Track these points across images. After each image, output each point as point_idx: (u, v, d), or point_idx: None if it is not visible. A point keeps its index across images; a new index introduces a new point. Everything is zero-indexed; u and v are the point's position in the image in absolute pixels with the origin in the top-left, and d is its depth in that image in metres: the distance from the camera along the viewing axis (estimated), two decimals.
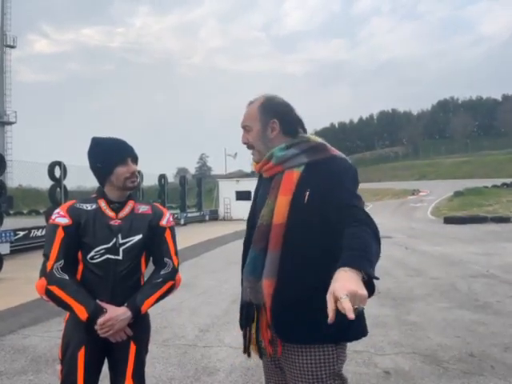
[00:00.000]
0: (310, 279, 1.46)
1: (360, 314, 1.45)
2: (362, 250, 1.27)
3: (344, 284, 1.13)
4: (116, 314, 1.72)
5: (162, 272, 1.89)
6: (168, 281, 1.89)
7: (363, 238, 1.31)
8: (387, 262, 8.48)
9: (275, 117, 1.61)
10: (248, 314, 1.63)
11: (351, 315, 1.07)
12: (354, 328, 1.48)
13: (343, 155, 1.59)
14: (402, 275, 7.19)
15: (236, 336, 4.18)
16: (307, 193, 1.48)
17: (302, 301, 1.47)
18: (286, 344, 1.54)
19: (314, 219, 1.46)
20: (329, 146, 1.60)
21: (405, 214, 23.16)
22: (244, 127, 1.67)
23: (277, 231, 1.50)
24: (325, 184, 1.47)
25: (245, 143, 1.68)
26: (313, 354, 1.48)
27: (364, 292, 1.13)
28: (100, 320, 1.70)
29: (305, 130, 1.67)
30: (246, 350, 1.67)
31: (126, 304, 1.78)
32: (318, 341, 1.48)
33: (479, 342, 4.02)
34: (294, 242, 1.48)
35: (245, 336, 1.66)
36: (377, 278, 1.22)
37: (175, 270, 1.93)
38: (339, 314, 1.26)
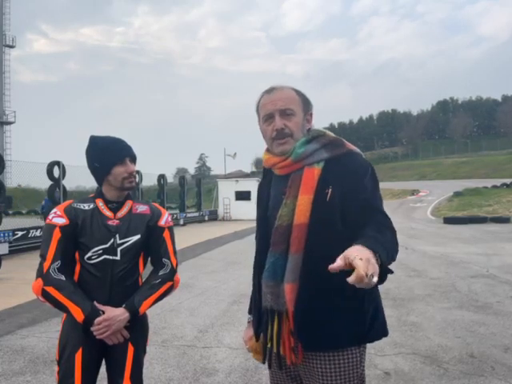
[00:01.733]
0: (335, 282, 1.29)
1: (380, 314, 1.49)
2: (378, 239, 1.25)
3: (358, 249, 1.14)
4: (113, 315, 1.71)
5: (160, 273, 1.88)
6: (166, 281, 1.87)
7: (382, 235, 1.29)
8: None
9: (310, 109, 1.55)
10: (270, 321, 1.50)
11: (362, 274, 1.04)
12: (376, 328, 1.46)
13: (358, 149, 1.53)
14: (402, 275, 7.18)
15: (235, 337, 4.17)
16: (329, 190, 1.40)
17: (327, 305, 1.41)
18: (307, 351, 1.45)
19: (336, 218, 1.40)
20: (344, 140, 1.54)
21: (404, 214, 23.14)
22: (284, 111, 1.48)
23: (299, 232, 1.41)
24: (345, 181, 1.41)
25: (280, 129, 1.48)
26: (337, 359, 1.42)
27: (376, 266, 1.11)
28: (97, 319, 1.68)
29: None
30: (269, 361, 1.55)
31: (123, 305, 1.76)
32: (342, 346, 1.42)
33: (479, 342, 4.01)
34: (317, 243, 1.39)
35: (265, 345, 1.53)
36: (390, 271, 1.20)
37: (174, 271, 1.91)
38: (360, 313, 1.42)
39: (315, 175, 1.44)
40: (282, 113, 1.48)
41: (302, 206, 1.41)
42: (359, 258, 1.08)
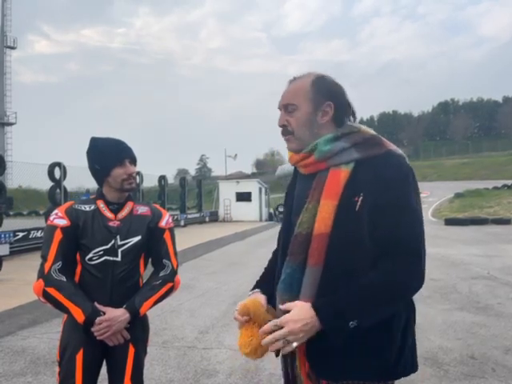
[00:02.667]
0: None
1: (410, 348, 1.28)
2: (344, 300, 1.16)
3: (296, 311, 1.17)
4: (114, 316, 1.71)
5: (161, 274, 1.88)
6: (167, 282, 1.87)
7: (366, 290, 1.16)
8: None
9: (331, 99, 1.31)
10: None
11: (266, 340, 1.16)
12: (404, 361, 1.25)
13: (399, 150, 1.30)
14: None
15: (236, 338, 4.16)
16: (360, 198, 1.20)
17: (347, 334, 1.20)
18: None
19: (363, 231, 1.20)
20: (383, 138, 1.32)
21: None
22: (286, 106, 1.35)
23: (319, 243, 1.22)
24: (378, 190, 1.20)
25: (283, 126, 1.36)
26: None
27: (297, 329, 1.13)
28: (98, 320, 1.68)
29: (355, 119, 1.39)
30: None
31: (124, 306, 1.76)
32: (360, 379, 1.23)
33: (480, 344, 4.01)
34: (339, 257, 1.21)
35: (286, 367, 1.38)
36: (332, 329, 1.14)
37: (174, 272, 1.91)
38: (385, 342, 1.23)
39: (342, 178, 1.24)
40: (285, 108, 1.35)
41: (324, 212, 1.23)
42: (281, 323, 1.15)
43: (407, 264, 1.18)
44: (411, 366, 1.29)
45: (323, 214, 1.23)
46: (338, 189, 1.23)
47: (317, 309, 1.16)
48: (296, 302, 1.20)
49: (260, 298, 1.39)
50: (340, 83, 1.36)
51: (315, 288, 1.23)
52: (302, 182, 1.38)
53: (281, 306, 1.21)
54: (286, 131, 1.35)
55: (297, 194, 1.39)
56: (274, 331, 1.17)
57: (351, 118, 1.37)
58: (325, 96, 1.31)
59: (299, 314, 1.16)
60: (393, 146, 1.30)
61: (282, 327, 1.15)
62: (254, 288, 1.48)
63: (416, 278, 1.20)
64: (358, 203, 1.20)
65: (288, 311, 1.19)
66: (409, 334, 1.28)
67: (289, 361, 1.35)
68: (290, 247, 1.29)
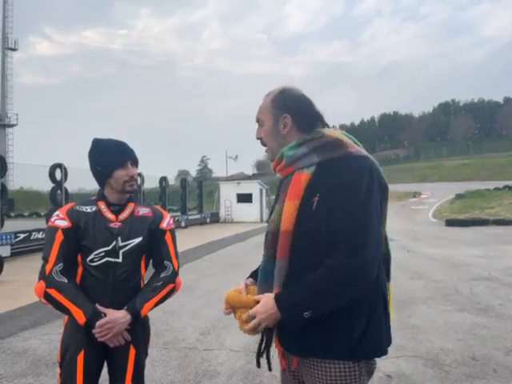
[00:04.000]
0: None
1: (377, 333, 1.37)
2: (298, 293, 1.32)
3: (263, 302, 1.37)
4: (115, 317, 1.71)
5: (162, 275, 1.88)
6: (168, 284, 1.88)
7: (315, 286, 1.31)
8: None
9: (287, 111, 1.47)
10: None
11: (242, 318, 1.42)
12: (366, 346, 1.34)
13: (362, 152, 1.41)
14: (404, 278, 7.16)
15: (237, 339, 4.16)
16: (316, 198, 1.33)
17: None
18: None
19: (321, 229, 1.33)
20: (346, 141, 1.43)
21: (406, 217, 23.10)
22: (257, 121, 1.55)
23: (284, 239, 1.38)
24: (333, 191, 1.32)
25: (258, 138, 1.56)
26: (328, 369, 1.36)
27: (265, 318, 1.34)
28: (99, 322, 1.69)
29: (325, 125, 1.50)
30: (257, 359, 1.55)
31: (125, 307, 1.76)
32: (326, 357, 1.35)
33: (481, 345, 4.00)
34: (301, 251, 1.36)
35: (260, 346, 1.54)
36: (299, 319, 1.31)
37: (175, 273, 1.92)
38: (347, 324, 1.35)
39: (303, 180, 1.38)
40: (257, 122, 1.56)
41: (288, 212, 1.38)
42: (252, 314, 1.37)
43: (346, 258, 1.29)
44: (375, 350, 1.39)
45: (287, 214, 1.38)
46: (299, 190, 1.37)
47: (277, 301, 1.34)
48: (264, 294, 1.40)
49: (241, 285, 1.58)
50: (304, 95, 1.51)
51: (283, 278, 1.40)
52: (279, 185, 1.55)
53: (254, 297, 1.44)
54: (263, 143, 1.55)
55: (276, 196, 1.56)
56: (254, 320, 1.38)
57: (319, 125, 1.49)
58: (282, 109, 1.47)
59: (264, 305, 1.36)
60: (355, 148, 1.41)
61: (254, 317, 1.37)
62: (248, 277, 1.66)
63: (357, 272, 1.29)
64: (315, 203, 1.34)
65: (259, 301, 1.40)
66: (375, 319, 1.37)
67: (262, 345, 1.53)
68: (264, 243, 1.50)
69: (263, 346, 1.51)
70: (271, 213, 1.53)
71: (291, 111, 1.47)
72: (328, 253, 1.31)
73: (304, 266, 1.35)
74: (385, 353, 1.41)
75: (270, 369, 1.52)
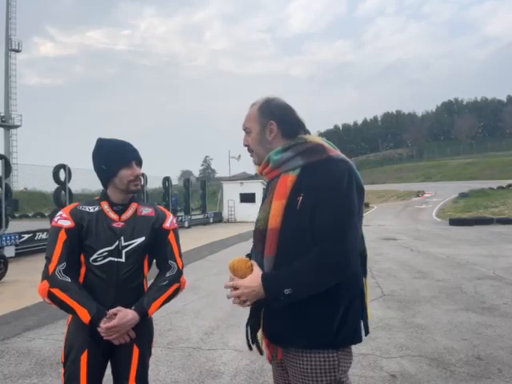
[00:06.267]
0: None
1: (353, 324, 1.50)
2: (283, 276, 1.43)
3: (251, 277, 1.49)
4: (124, 321, 1.71)
5: (167, 274, 1.89)
6: (174, 283, 1.88)
7: (299, 273, 1.41)
8: (393, 264, 8.44)
9: (272, 118, 1.59)
10: (254, 316, 1.62)
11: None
12: (343, 336, 1.47)
13: (341, 156, 1.54)
14: (408, 277, 7.14)
15: (241, 339, 4.16)
16: (300, 197, 1.45)
17: (294, 307, 1.47)
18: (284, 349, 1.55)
19: (306, 226, 1.44)
20: (327, 146, 1.56)
21: (410, 216, 23.04)
22: (245, 129, 1.67)
23: (271, 236, 1.49)
24: (316, 191, 1.44)
25: (246, 145, 1.68)
26: (311, 359, 1.47)
27: (246, 293, 1.46)
28: (108, 325, 1.69)
29: (306, 132, 1.64)
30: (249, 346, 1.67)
31: (133, 307, 1.77)
32: (306, 347, 1.47)
33: (486, 344, 3.98)
34: (287, 248, 1.47)
35: (246, 332, 1.66)
36: (281, 299, 1.40)
37: (180, 272, 1.92)
38: (327, 315, 1.46)
39: (288, 182, 1.50)
40: (244, 130, 1.68)
41: (274, 211, 1.49)
42: (235, 285, 1.50)
43: (330, 248, 1.39)
44: (352, 339, 1.51)
45: (274, 212, 1.49)
46: (285, 191, 1.49)
47: (263, 278, 1.45)
48: (254, 270, 1.51)
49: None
50: (288, 104, 1.64)
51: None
52: (267, 187, 1.66)
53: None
54: (249, 149, 1.68)
55: (263, 197, 1.67)
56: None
57: (301, 132, 1.61)
58: (267, 117, 1.60)
59: (250, 281, 1.48)
60: (335, 152, 1.54)
61: (237, 288, 1.49)
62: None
63: (339, 259, 1.40)
64: (299, 202, 1.45)
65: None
66: (351, 310, 1.49)
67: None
68: (253, 240, 1.61)
69: (249, 332, 1.63)
70: (259, 212, 1.63)
71: (277, 118, 1.59)
72: (312, 248, 1.42)
73: (290, 261, 1.44)
74: (360, 340, 1.54)
75: (260, 353, 1.64)
